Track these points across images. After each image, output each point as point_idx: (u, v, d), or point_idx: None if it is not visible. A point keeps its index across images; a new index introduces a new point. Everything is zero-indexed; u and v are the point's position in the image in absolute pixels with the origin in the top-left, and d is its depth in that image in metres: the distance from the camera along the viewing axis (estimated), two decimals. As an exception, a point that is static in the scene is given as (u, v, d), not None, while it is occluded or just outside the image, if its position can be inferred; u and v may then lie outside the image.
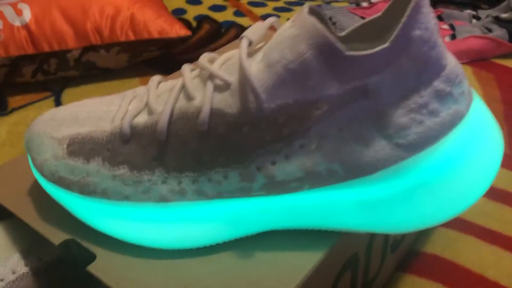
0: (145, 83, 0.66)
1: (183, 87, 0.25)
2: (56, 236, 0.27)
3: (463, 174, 0.24)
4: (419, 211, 0.25)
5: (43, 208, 0.29)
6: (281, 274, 0.25)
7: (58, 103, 0.62)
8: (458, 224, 0.44)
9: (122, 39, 0.64)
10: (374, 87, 0.23)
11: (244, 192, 0.25)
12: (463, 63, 0.67)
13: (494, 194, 0.48)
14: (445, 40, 0.71)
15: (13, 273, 0.29)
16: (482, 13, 0.81)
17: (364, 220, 0.25)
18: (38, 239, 0.31)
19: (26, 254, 0.30)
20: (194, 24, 0.82)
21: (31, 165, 0.28)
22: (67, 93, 0.64)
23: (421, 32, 0.22)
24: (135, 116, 0.26)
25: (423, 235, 0.43)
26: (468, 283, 0.38)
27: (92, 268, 0.25)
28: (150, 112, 0.25)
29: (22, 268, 0.29)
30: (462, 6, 0.90)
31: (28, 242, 0.31)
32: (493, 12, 0.81)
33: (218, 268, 0.25)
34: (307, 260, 0.25)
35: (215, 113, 0.24)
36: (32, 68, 0.63)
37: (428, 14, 0.22)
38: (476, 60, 0.68)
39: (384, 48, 0.22)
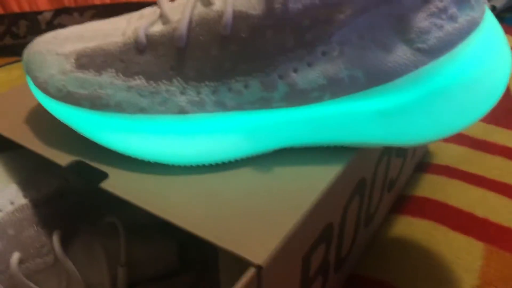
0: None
1: (200, -5, 0.25)
2: (63, 159, 0.26)
3: (479, 80, 0.25)
4: (437, 118, 0.25)
5: (46, 133, 0.28)
6: (302, 186, 0.24)
7: (29, 66, 0.59)
8: (444, 170, 0.46)
9: (97, 1, 0.62)
10: (396, -9, 0.23)
11: (265, 103, 0.24)
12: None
13: (475, 143, 0.49)
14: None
15: (11, 203, 0.27)
16: None
17: (383, 131, 0.25)
18: (37, 170, 0.29)
19: (24, 185, 0.28)
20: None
21: (32, 86, 0.27)
22: (38, 57, 0.61)
23: None
24: (150, 26, 0.25)
25: (412, 180, 0.44)
26: (460, 221, 0.40)
27: (107, 185, 0.24)
28: (166, 22, 0.25)
29: (20, 199, 0.28)
30: None
31: (26, 173, 0.29)
32: None
33: (237, 182, 0.25)
34: (325, 175, 0.25)
35: (238, 16, 0.23)
36: (0, 30, 0.60)
37: None
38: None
39: None
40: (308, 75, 0.24)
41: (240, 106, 0.24)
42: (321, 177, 0.25)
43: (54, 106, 0.26)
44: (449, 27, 0.24)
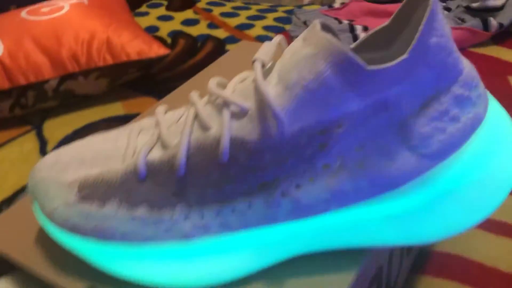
0: (128, 106, 0.65)
1: (196, 117, 0.24)
2: (70, 285, 0.26)
3: (487, 176, 0.24)
4: (447, 219, 0.24)
5: (54, 257, 0.28)
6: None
7: (40, 136, 0.60)
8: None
9: (100, 63, 0.62)
10: (394, 99, 0.23)
11: (270, 219, 0.24)
12: (441, 56, 0.68)
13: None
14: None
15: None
16: (451, 4, 0.83)
17: (393, 234, 0.25)
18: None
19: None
20: (168, 41, 0.81)
21: (39, 212, 0.27)
22: (48, 125, 0.62)
23: (438, 39, 0.22)
24: (149, 151, 0.25)
25: (432, 233, 0.43)
26: (483, 278, 0.39)
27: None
28: (165, 146, 0.24)
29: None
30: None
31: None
32: (463, 1, 0.82)
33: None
34: (338, 284, 0.25)
35: (235, 142, 0.23)
36: (9, 103, 0.60)
37: (443, 21, 0.22)
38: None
39: (403, 59, 0.22)
40: (311, 191, 0.24)
41: (245, 225, 0.24)
42: (336, 283, 0.24)
43: (61, 235, 0.26)
44: (452, 128, 0.23)
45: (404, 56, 0.22)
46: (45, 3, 0.68)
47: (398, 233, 0.25)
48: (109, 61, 0.63)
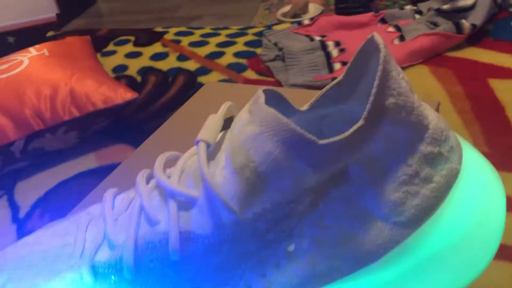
0: (101, 157, 0.62)
1: (142, 209, 0.22)
2: None
3: (473, 233, 0.22)
4: (433, 284, 0.22)
5: None
6: None
7: (12, 202, 0.57)
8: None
9: (66, 117, 0.60)
10: (353, 168, 0.20)
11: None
12: (417, 64, 0.66)
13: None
14: (394, 43, 0.70)
15: None
16: (422, 6, 0.81)
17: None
18: None
19: None
20: (139, 79, 0.79)
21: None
22: (20, 187, 0.59)
23: (395, 99, 0.20)
24: (95, 253, 0.22)
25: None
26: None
27: None
28: (112, 246, 0.22)
29: None
30: (400, 3, 0.90)
31: None
32: (433, 3, 0.81)
33: None
34: None
35: (186, 238, 0.20)
36: None
37: (398, 77, 0.20)
38: (430, 57, 0.67)
39: (359, 127, 0.19)
40: (279, 278, 0.21)
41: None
42: None
43: None
44: (425, 190, 0.21)
45: (359, 124, 0.19)
46: (3, 59, 0.66)
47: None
48: (76, 113, 0.60)
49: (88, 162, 0.62)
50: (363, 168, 0.20)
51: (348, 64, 0.23)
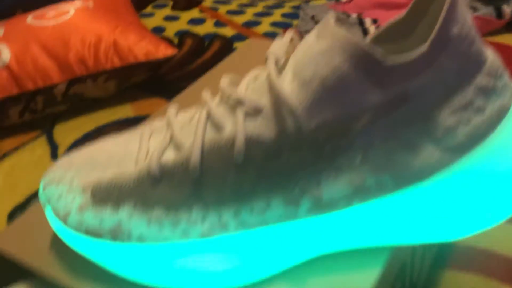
0: (137, 108, 0.64)
1: (209, 117, 0.24)
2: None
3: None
4: (474, 215, 0.23)
5: (69, 262, 0.27)
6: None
7: (51, 141, 0.59)
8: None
9: (108, 66, 0.62)
10: (415, 91, 0.22)
11: (290, 217, 0.23)
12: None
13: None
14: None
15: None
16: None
17: (417, 231, 0.24)
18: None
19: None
20: (175, 41, 0.80)
21: (52, 217, 0.26)
22: (59, 129, 0.62)
23: (459, 29, 0.21)
24: (162, 153, 0.24)
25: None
26: (509, 270, 0.38)
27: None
28: (178, 148, 0.24)
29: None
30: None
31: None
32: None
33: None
34: (362, 283, 0.24)
35: (250, 142, 0.22)
36: (19, 108, 0.60)
37: (465, 9, 0.21)
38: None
39: (424, 51, 0.21)
40: (332, 187, 0.23)
41: (265, 223, 0.23)
42: (360, 283, 0.24)
43: (75, 240, 0.25)
44: (476, 120, 0.22)
45: (425, 48, 0.21)
46: (50, 7, 0.68)
47: (423, 230, 0.24)
48: (117, 63, 0.62)
49: (124, 111, 0.64)
50: (422, 92, 0.22)
51: (411, 3, 0.24)
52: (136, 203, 0.24)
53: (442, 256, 0.40)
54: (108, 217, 0.24)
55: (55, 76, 0.60)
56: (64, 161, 0.27)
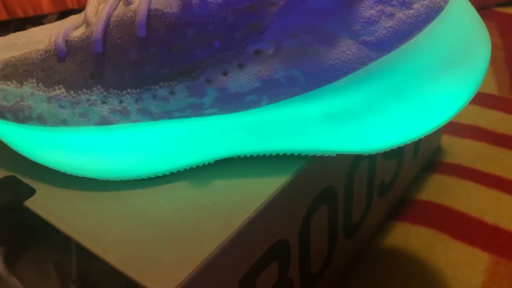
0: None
1: (122, -6, 0.22)
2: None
3: (443, 75, 0.21)
4: (394, 120, 0.22)
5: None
6: (239, 200, 0.22)
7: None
8: (455, 169, 0.41)
9: None
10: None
11: (195, 109, 0.22)
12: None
13: (493, 138, 0.44)
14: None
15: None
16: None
17: (331, 138, 0.22)
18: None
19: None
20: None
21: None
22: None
23: None
24: (71, 31, 0.23)
25: (418, 182, 0.40)
26: (465, 228, 0.35)
27: (30, 203, 0.23)
28: (87, 24, 0.23)
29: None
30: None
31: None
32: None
33: (167, 197, 0.22)
34: (269, 186, 0.22)
35: (153, 15, 0.21)
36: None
37: None
38: (477, 8, 0.64)
39: None
40: (240, 78, 0.21)
41: (168, 114, 0.22)
42: (263, 189, 0.22)
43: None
44: (401, 14, 0.20)
45: None
46: None
47: (338, 136, 0.22)
48: (109, -1, 0.61)
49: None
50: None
51: None
52: (39, 80, 0.23)
53: (398, 209, 0.38)
54: (11, 92, 0.23)
55: (46, 6, 0.60)
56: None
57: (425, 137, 0.39)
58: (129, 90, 0.22)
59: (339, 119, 0.22)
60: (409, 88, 0.21)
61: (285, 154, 0.24)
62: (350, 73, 0.21)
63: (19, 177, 0.24)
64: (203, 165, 0.24)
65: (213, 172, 0.24)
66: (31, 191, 0.23)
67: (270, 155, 0.24)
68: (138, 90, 0.22)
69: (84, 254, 0.28)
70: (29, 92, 0.23)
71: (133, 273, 0.19)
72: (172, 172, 0.24)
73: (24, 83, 0.23)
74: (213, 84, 0.21)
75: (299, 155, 0.24)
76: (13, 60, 0.24)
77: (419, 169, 0.41)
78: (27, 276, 0.27)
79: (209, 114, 0.22)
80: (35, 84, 0.23)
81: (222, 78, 0.21)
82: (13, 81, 0.23)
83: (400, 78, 0.21)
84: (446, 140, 0.45)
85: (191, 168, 0.24)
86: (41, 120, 0.23)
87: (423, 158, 0.41)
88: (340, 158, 0.27)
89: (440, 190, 0.39)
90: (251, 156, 0.24)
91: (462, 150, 0.43)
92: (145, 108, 0.22)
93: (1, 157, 0.25)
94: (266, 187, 0.22)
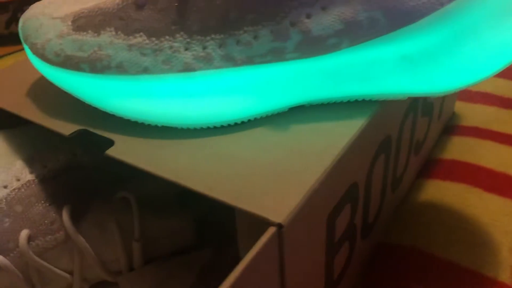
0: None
1: None
2: (68, 130, 0.24)
3: (513, 15, 0.22)
4: (467, 61, 0.23)
5: (50, 105, 0.26)
6: (324, 142, 0.22)
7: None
8: (473, 131, 0.43)
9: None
10: None
11: (277, 54, 0.22)
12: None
13: (503, 102, 0.47)
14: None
15: (18, 180, 0.26)
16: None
17: (408, 79, 0.23)
18: (42, 146, 0.28)
19: (30, 162, 0.27)
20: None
21: (30, 54, 0.25)
22: (46, 44, 0.60)
23: None
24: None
25: (440, 143, 0.42)
26: (494, 182, 0.37)
27: (112, 152, 0.23)
28: (166, -28, 0.23)
29: (27, 175, 0.26)
30: None
31: (31, 150, 0.28)
32: None
33: (253, 141, 0.23)
34: (348, 129, 0.23)
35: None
36: (5, 18, 0.58)
37: None
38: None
39: None
40: (323, 20, 0.22)
41: (250, 60, 0.23)
42: (343, 133, 0.23)
43: (53, 73, 0.24)
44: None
45: None
46: None
47: (414, 78, 0.23)
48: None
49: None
50: None
51: None
52: (117, 29, 0.23)
53: (426, 168, 0.40)
54: (87, 42, 0.23)
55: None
56: (43, 1, 0.26)
57: (445, 100, 0.41)
58: (212, 36, 0.22)
59: (416, 61, 0.23)
60: (482, 29, 0.22)
61: (355, 101, 0.25)
62: (429, 14, 0.22)
63: (95, 130, 0.24)
64: (278, 113, 0.25)
65: (290, 118, 0.24)
66: (110, 142, 0.23)
67: (341, 102, 0.25)
68: (222, 36, 0.22)
69: (146, 213, 0.28)
70: (107, 41, 0.23)
71: (244, 205, 0.19)
72: (249, 119, 0.24)
73: (102, 32, 0.23)
74: (296, 27, 0.22)
75: (369, 101, 0.25)
76: (86, 11, 0.23)
77: (440, 132, 0.43)
78: (91, 235, 0.27)
79: (290, 59, 0.23)
80: (113, 33, 0.23)
81: (305, 21, 0.22)
82: (89, 31, 0.23)
83: (473, 19, 0.22)
84: (460, 106, 0.47)
85: (267, 115, 0.24)
86: (121, 69, 0.23)
87: (444, 120, 0.43)
88: (395, 108, 0.28)
89: (462, 149, 0.41)
90: (322, 104, 0.25)
91: (476, 114, 0.45)
92: (228, 54, 0.22)
93: (75, 113, 0.25)
94: (345, 130, 0.23)
